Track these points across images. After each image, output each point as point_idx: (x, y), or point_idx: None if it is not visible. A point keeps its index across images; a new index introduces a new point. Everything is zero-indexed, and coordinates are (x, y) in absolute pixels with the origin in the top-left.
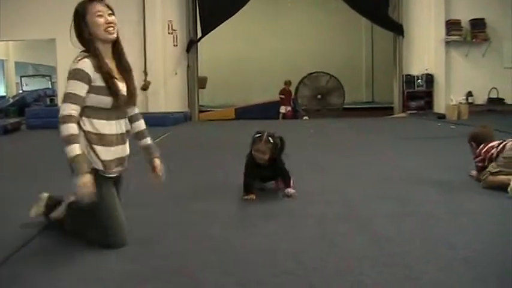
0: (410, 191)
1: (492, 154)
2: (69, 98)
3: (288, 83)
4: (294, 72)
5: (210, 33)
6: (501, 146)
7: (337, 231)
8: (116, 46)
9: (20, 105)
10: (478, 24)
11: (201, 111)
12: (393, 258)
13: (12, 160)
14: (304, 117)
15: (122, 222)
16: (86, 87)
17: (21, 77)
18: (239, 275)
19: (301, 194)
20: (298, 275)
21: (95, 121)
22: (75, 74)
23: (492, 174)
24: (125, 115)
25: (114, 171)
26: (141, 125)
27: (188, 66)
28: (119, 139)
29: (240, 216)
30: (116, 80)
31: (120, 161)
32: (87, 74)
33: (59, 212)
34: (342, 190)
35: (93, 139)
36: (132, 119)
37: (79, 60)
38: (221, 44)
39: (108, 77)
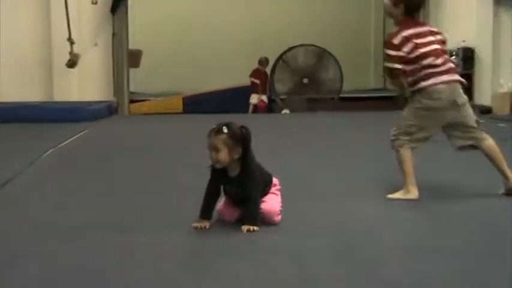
0: (433, 217)
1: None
2: None
3: (263, 62)
4: (270, 46)
5: None
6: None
7: (324, 272)
8: None
9: None
10: None
11: (132, 101)
12: None
13: None
14: (284, 111)
15: None
16: None
17: None
18: None
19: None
20: None
21: None
22: None
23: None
24: None
25: None
26: None
27: (114, 34)
28: None
29: (190, 252)
30: None
31: None
32: None
33: None
34: (333, 216)
35: None
36: None
37: None
38: (163, 2)
39: None
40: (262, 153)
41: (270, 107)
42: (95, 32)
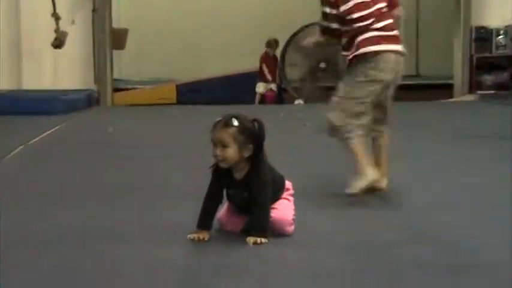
0: (476, 222)
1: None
2: None
3: (272, 44)
4: (280, 25)
5: None
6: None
7: None
8: None
9: None
10: None
11: (116, 90)
12: None
13: None
14: (297, 101)
15: None
16: None
17: None
18: None
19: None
20: None
21: None
22: None
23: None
24: None
25: None
26: None
27: (94, 10)
28: None
29: (186, 268)
30: None
31: None
32: None
33: None
34: (351, 225)
35: None
36: None
37: None
38: None
39: None
40: (270, 150)
41: (280, 97)
42: (71, 7)
